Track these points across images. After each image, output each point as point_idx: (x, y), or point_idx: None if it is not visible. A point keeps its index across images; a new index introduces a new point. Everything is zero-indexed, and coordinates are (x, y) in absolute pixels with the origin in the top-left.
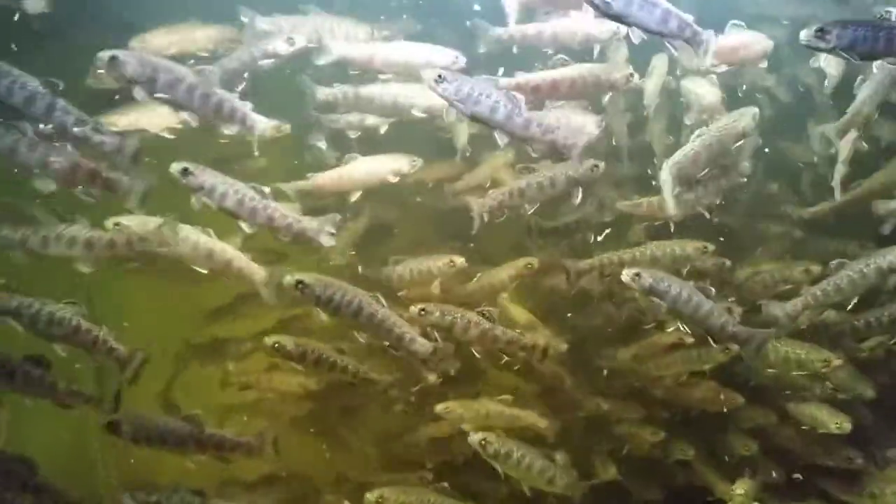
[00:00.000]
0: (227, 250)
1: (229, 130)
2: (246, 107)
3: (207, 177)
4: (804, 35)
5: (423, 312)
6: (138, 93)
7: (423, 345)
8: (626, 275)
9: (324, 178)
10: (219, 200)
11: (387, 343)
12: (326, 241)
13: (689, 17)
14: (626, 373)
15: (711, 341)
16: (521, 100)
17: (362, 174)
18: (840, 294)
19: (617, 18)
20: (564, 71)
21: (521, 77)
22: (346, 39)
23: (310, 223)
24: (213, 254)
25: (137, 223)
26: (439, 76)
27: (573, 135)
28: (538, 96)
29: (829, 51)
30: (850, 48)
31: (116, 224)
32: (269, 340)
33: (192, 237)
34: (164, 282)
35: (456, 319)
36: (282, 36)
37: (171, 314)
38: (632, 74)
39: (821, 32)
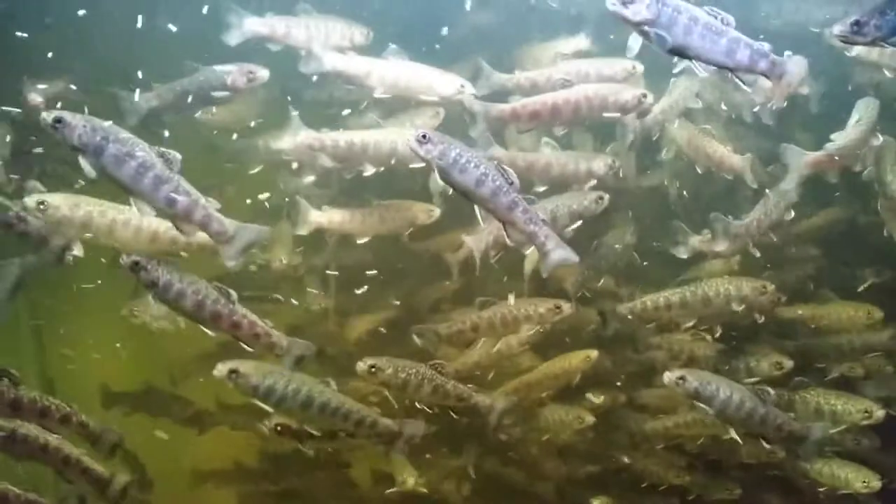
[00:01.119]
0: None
1: (186, 233)
2: (209, 207)
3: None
4: (837, 30)
5: (373, 370)
6: (84, 164)
7: (386, 426)
8: (668, 378)
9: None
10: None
11: (345, 432)
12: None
13: (764, 46)
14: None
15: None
16: (513, 177)
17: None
18: None
19: (676, 52)
20: (567, 93)
21: (518, 102)
22: (340, 42)
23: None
24: (158, 235)
25: (67, 203)
26: (423, 136)
27: (555, 244)
28: (538, 122)
29: (870, 43)
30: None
31: (41, 203)
32: (363, 365)
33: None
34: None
35: (410, 377)
36: (242, 69)
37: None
38: (644, 95)
39: (857, 25)
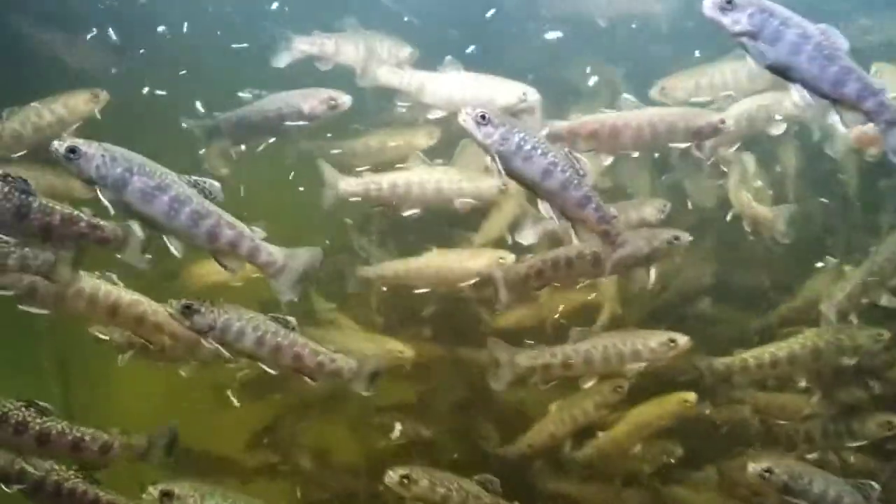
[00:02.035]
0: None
1: (231, 269)
2: (255, 237)
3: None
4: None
5: (405, 481)
6: (104, 198)
7: None
8: (752, 470)
9: None
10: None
11: None
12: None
13: (879, 83)
14: None
15: None
16: (586, 166)
17: None
18: None
19: (775, 70)
20: (631, 115)
21: (578, 120)
22: (387, 59)
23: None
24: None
25: None
26: (483, 116)
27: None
28: (595, 145)
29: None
30: None
31: None
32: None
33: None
34: None
35: (451, 492)
36: (321, 95)
37: None
38: (723, 121)
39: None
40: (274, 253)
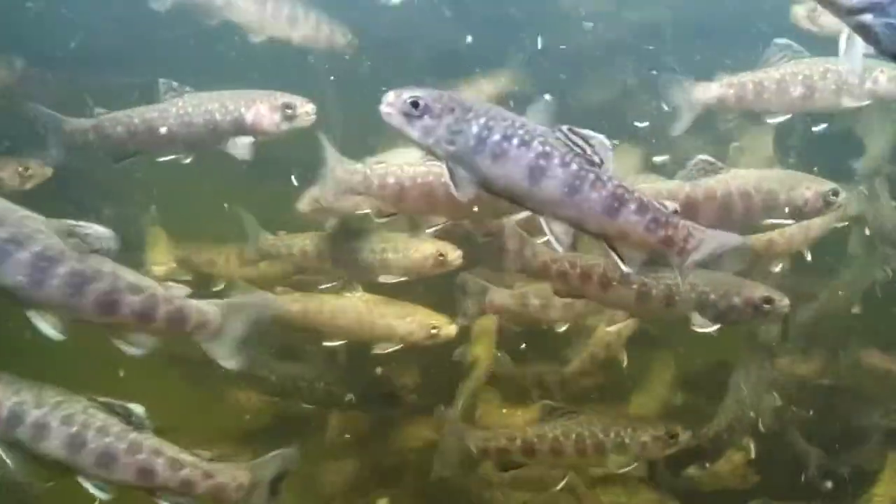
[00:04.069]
0: None
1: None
2: (175, 294)
3: None
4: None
5: None
6: None
7: None
8: None
9: None
10: None
11: None
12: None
13: None
14: None
15: None
16: (604, 150)
17: None
18: None
19: None
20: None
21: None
22: None
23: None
24: None
25: None
26: (414, 104)
27: (703, 235)
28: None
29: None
30: None
31: None
32: None
33: None
34: None
35: None
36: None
37: None
38: (835, 192)
39: None
40: (206, 311)
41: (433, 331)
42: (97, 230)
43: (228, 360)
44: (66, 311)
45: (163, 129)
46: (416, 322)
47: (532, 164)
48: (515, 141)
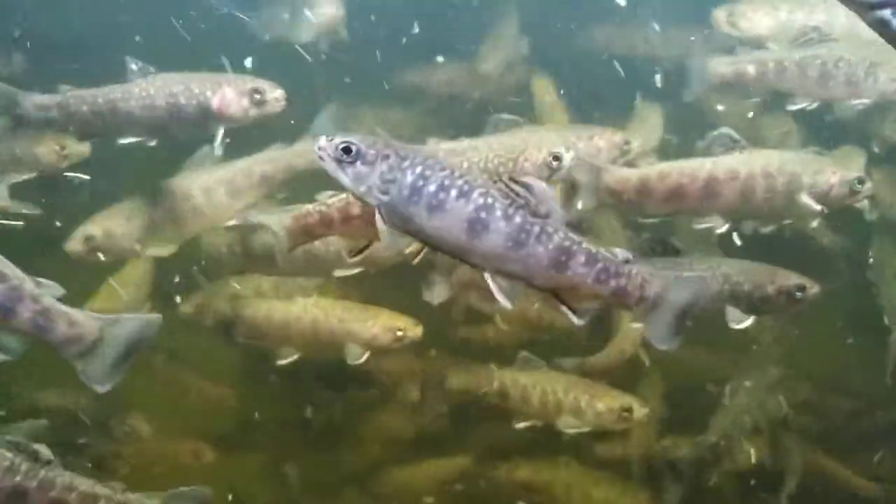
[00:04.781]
0: None
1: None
2: (44, 296)
3: None
4: None
5: None
6: None
7: None
8: None
9: None
10: None
11: None
12: None
13: None
14: None
15: None
16: (546, 196)
17: None
18: None
19: None
20: (731, 162)
21: (653, 168)
22: None
23: None
24: None
25: None
26: (346, 150)
27: (665, 280)
28: (678, 207)
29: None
30: None
31: None
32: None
33: None
34: None
35: None
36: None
37: None
38: (861, 180)
39: None
40: (80, 322)
41: (398, 333)
42: None
43: (101, 384)
44: None
45: (124, 111)
46: (378, 325)
47: (472, 218)
48: (454, 192)
